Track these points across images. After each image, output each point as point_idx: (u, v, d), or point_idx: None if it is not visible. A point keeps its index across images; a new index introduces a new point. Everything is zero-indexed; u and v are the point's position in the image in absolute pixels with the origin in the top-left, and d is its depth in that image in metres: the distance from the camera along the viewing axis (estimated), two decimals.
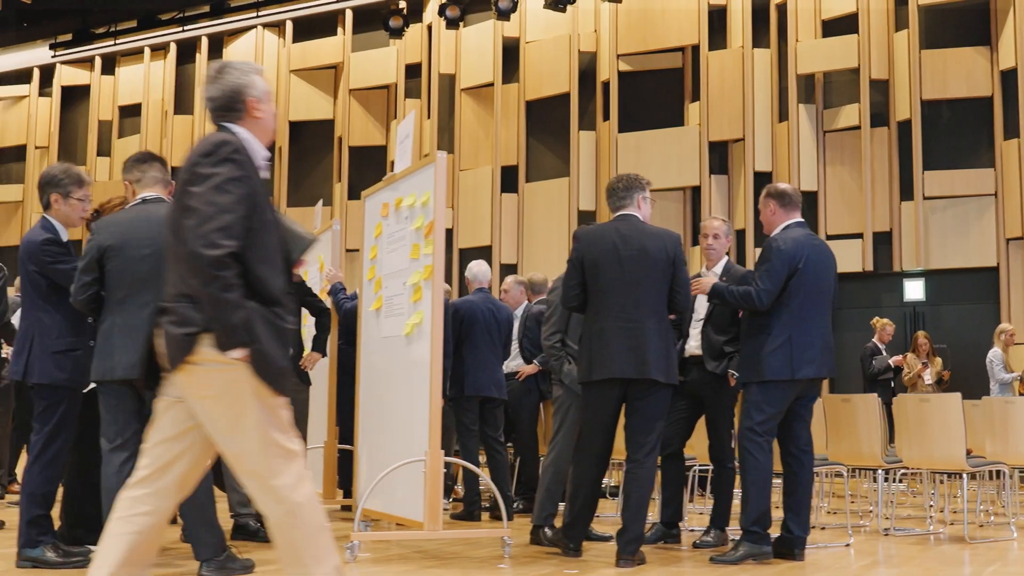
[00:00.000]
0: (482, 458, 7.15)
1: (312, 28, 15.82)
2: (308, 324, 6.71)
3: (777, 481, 5.41)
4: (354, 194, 14.24)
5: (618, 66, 13.47)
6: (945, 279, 12.04)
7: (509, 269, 13.43)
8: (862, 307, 12.03)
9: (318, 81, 15.51)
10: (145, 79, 16.96)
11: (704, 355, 5.64)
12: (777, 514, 5.38)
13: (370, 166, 14.72)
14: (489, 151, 14.22)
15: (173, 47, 16.78)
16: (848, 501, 7.10)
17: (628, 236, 5.09)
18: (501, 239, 13.94)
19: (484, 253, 13.44)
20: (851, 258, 11.91)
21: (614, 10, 13.44)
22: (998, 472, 7.35)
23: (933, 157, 11.94)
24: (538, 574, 4.75)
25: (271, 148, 15.72)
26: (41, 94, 17.84)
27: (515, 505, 7.03)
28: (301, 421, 5.65)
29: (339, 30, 15.64)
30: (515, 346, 7.47)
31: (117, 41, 16.95)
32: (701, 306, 5.68)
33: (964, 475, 6.19)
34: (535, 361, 7.44)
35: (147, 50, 16.95)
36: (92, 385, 4.63)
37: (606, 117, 13.55)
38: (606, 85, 13.59)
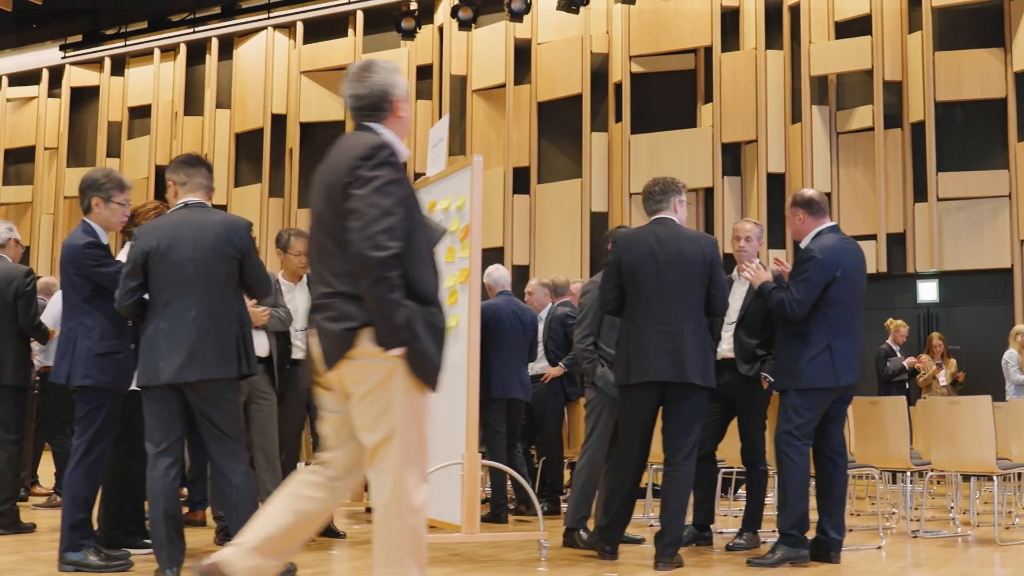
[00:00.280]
0: None
1: (323, 29, 15.80)
2: None
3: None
4: None
5: (630, 67, 13.47)
6: (959, 280, 12.06)
7: (521, 270, 13.43)
8: (876, 309, 12.00)
9: (329, 82, 15.48)
10: (155, 80, 16.94)
11: (736, 358, 5.65)
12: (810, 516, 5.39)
13: None
14: (501, 152, 14.21)
15: (183, 48, 16.76)
16: (877, 503, 7.10)
17: (665, 240, 5.09)
18: (513, 240, 13.93)
19: (496, 254, 13.42)
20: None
21: (627, 11, 13.43)
22: (1019, 474, 7.38)
23: (947, 159, 11.95)
24: None
25: (282, 150, 15.73)
26: (50, 95, 17.80)
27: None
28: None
29: (350, 31, 15.62)
30: (540, 348, 7.49)
31: (127, 42, 16.95)
32: (733, 309, 5.68)
33: (995, 477, 6.21)
34: (560, 363, 7.46)
35: (157, 51, 16.91)
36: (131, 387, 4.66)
37: (618, 118, 13.54)
38: (618, 86, 13.59)
